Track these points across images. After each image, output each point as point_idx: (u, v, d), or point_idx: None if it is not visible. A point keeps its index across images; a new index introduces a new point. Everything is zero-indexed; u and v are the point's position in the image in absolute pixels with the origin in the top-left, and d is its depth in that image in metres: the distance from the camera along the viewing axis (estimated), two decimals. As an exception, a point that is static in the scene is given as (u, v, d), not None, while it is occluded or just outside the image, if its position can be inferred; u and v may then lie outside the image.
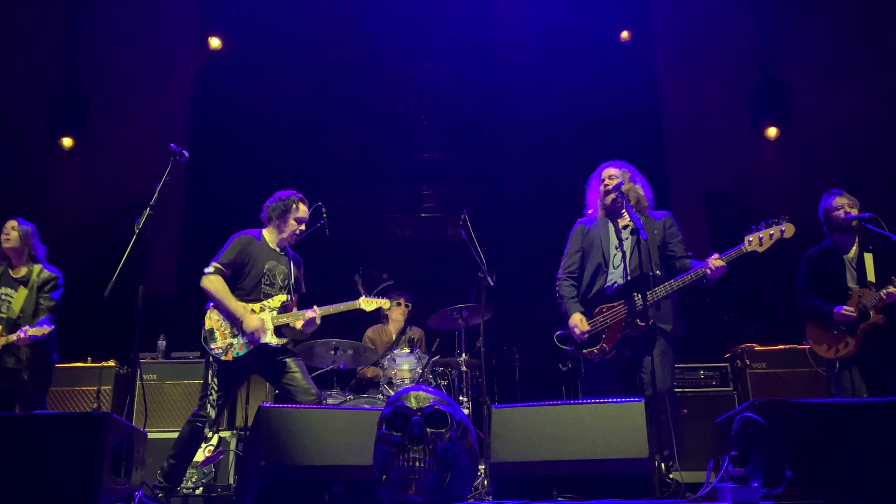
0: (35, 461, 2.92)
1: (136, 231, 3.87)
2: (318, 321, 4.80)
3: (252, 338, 4.54)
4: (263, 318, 4.60)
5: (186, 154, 4.30)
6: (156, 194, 4.02)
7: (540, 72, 8.53)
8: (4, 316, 5.09)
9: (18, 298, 5.14)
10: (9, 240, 5.22)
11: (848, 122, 7.92)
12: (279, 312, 4.69)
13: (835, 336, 4.83)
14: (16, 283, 5.20)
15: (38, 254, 5.33)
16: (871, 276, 4.80)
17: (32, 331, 4.89)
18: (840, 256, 4.96)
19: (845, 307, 4.75)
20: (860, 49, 7.95)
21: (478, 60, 8.79)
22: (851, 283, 4.87)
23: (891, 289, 4.66)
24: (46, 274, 5.26)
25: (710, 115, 8.65)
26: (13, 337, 4.90)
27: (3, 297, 5.15)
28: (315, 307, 4.79)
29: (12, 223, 5.29)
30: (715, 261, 4.25)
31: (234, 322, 4.57)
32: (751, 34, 8.57)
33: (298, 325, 4.77)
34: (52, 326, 5.02)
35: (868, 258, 4.86)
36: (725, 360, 6.27)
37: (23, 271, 5.26)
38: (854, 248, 4.93)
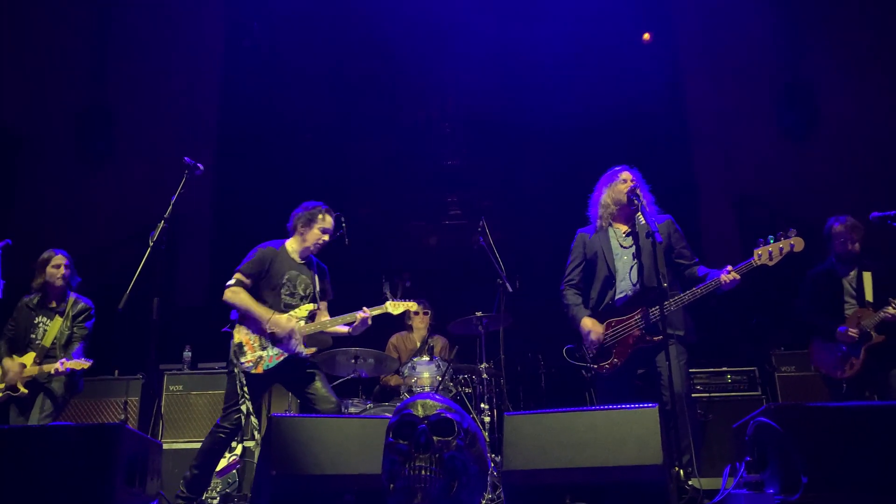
0: (50, 472, 2.97)
1: (150, 244, 3.93)
2: (370, 321, 4.88)
3: (286, 344, 4.59)
4: (291, 318, 4.66)
5: (201, 167, 4.36)
6: (170, 207, 4.08)
7: (563, 77, 8.49)
8: (39, 343, 5.31)
9: (53, 327, 5.35)
10: (59, 278, 5.44)
11: (877, 122, 7.75)
12: (307, 322, 4.74)
13: (839, 357, 5.06)
14: (51, 313, 5.43)
15: (73, 285, 5.56)
16: (868, 296, 5.05)
17: (71, 363, 5.12)
18: (839, 278, 5.23)
19: (849, 329, 4.98)
20: (889, 48, 7.78)
21: (500, 67, 8.76)
22: (850, 304, 5.14)
23: (890, 310, 4.88)
24: (81, 305, 5.49)
25: (738, 119, 8.52)
26: (52, 368, 5.12)
27: (40, 324, 5.37)
28: (364, 308, 4.86)
29: (60, 260, 5.48)
30: (729, 275, 4.21)
31: (262, 328, 4.61)
32: (776, 35, 8.42)
33: (342, 329, 4.84)
34: (91, 361, 5.22)
35: (867, 277, 5.12)
36: (753, 363, 6.16)
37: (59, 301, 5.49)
38: (854, 270, 5.20)
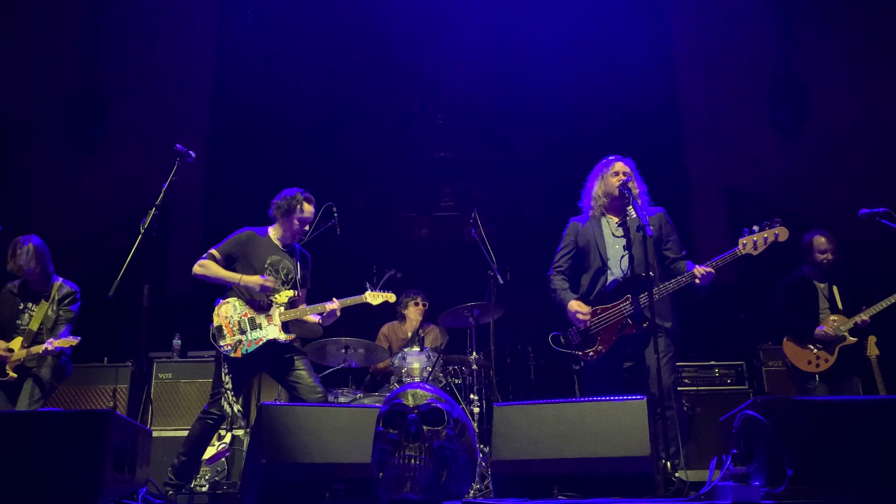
0: (39, 458, 2.96)
1: (142, 231, 3.92)
2: (339, 313, 4.88)
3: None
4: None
5: (193, 154, 4.35)
6: (161, 194, 4.07)
7: (557, 69, 8.46)
8: (26, 328, 5.31)
9: (39, 312, 5.36)
10: (28, 264, 5.33)
11: (869, 118, 7.78)
12: (287, 308, 4.74)
13: (813, 353, 5.44)
14: (37, 297, 5.42)
15: (51, 269, 5.48)
16: (840, 305, 5.53)
17: (59, 342, 5.12)
18: (814, 286, 5.64)
19: (826, 328, 5.39)
20: (882, 42, 7.81)
21: (494, 58, 8.74)
22: (825, 309, 5.54)
23: (864, 317, 5.34)
24: (67, 289, 5.49)
25: (730, 111, 8.54)
26: (40, 349, 5.13)
27: (26, 310, 5.37)
28: (335, 299, 4.87)
29: (25, 248, 5.34)
30: (700, 270, 4.23)
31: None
32: (770, 29, 8.44)
33: (312, 319, 4.83)
34: (78, 338, 5.22)
35: (835, 289, 5.59)
36: (741, 357, 6.21)
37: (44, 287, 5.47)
38: (826, 281, 5.63)
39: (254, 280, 4.68)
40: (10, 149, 8.15)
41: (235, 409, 4.56)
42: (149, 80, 8.50)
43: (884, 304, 5.33)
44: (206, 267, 4.72)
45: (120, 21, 8.53)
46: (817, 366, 5.41)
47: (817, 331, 5.41)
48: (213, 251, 4.78)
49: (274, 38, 8.74)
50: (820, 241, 5.62)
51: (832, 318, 5.45)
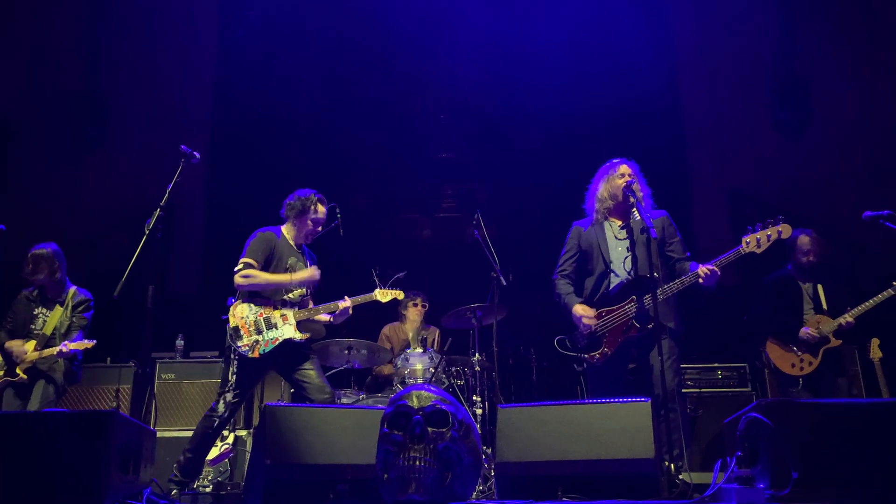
0: (43, 458, 2.96)
1: (146, 232, 3.92)
2: (351, 311, 4.94)
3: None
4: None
5: (198, 155, 4.35)
6: (166, 195, 4.07)
7: (559, 70, 8.46)
8: (40, 332, 5.39)
9: (53, 317, 5.44)
10: (35, 273, 5.41)
11: (871, 119, 7.78)
12: (299, 308, 4.77)
13: (797, 355, 5.42)
14: (51, 303, 5.50)
15: (61, 276, 5.53)
16: (824, 305, 5.50)
17: (73, 345, 5.20)
18: (798, 285, 5.61)
19: (810, 330, 5.37)
20: (884, 43, 7.80)
21: (496, 59, 8.73)
22: (809, 310, 5.52)
23: (848, 318, 5.31)
24: (81, 296, 5.57)
25: (732, 113, 8.54)
26: (54, 351, 5.20)
27: (40, 314, 5.46)
28: (346, 297, 4.91)
29: (36, 253, 5.43)
30: (703, 269, 4.23)
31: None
32: (772, 29, 8.43)
33: (324, 317, 4.86)
34: (93, 341, 5.28)
35: (820, 289, 5.57)
36: (744, 359, 6.21)
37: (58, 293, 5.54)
38: (810, 281, 5.60)
39: (307, 273, 4.77)
40: (11, 149, 8.15)
41: (224, 411, 4.57)
42: (150, 80, 8.50)
43: (868, 304, 5.29)
44: (255, 276, 4.68)
45: (121, 21, 8.53)
46: (801, 369, 5.39)
47: (802, 332, 5.38)
48: (250, 260, 4.71)
49: (275, 39, 8.74)
50: (803, 241, 5.57)
51: (816, 318, 5.42)
